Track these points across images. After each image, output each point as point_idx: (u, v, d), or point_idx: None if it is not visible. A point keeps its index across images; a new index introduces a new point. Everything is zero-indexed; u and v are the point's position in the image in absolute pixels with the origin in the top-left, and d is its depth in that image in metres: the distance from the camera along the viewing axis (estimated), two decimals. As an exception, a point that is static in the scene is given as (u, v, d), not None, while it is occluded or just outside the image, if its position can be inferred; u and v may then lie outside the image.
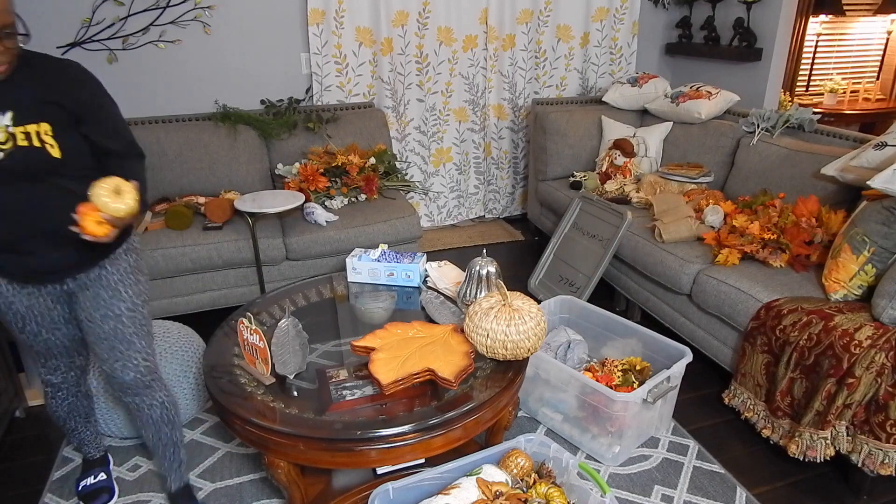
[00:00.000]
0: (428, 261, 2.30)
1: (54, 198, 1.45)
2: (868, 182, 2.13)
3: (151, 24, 3.21)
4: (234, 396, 1.62)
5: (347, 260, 2.27)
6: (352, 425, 1.51)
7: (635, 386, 2.13)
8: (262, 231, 2.84)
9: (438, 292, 2.19)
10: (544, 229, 3.72)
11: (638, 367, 2.23)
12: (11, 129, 1.37)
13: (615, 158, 3.35)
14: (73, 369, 1.80)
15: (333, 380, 1.70)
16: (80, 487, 1.95)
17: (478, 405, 1.59)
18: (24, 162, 1.39)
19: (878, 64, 4.94)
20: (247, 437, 1.59)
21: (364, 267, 2.26)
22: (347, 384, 1.68)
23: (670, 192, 3.01)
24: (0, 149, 1.36)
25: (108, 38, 3.17)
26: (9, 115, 1.37)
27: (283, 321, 1.70)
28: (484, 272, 1.98)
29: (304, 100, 3.62)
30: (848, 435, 1.89)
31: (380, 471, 1.92)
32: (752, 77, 3.70)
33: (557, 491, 1.50)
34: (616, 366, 2.24)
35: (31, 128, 1.39)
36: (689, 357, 2.13)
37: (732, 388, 2.27)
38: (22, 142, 1.38)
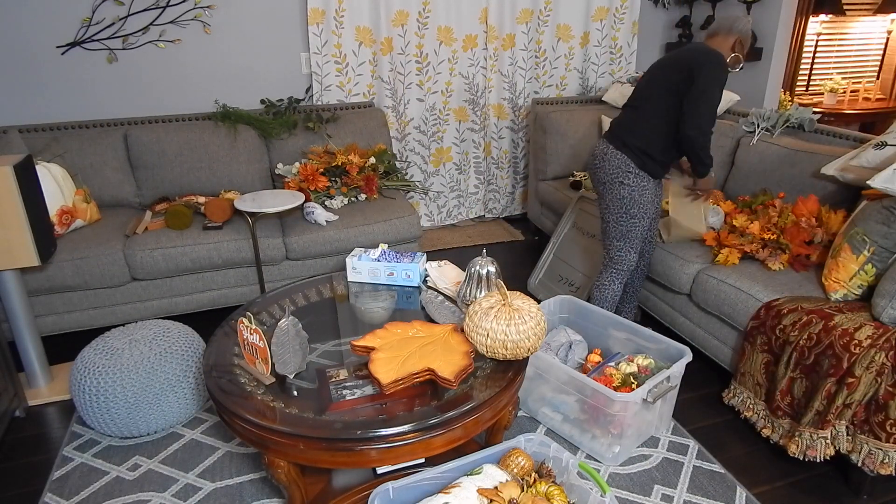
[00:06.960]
0: (428, 260, 2.30)
1: None
2: (868, 181, 2.13)
3: (151, 24, 3.21)
4: (234, 396, 1.62)
5: (347, 260, 2.27)
6: (352, 425, 1.51)
7: (634, 386, 2.13)
8: (262, 231, 2.84)
9: (438, 292, 2.19)
10: (544, 229, 3.72)
11: (643, 363, 2.20)
12: None
13: (615, 158, 3.34)
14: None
15: (333, 379, 1.70)
16: None
17: (478, 405, 1.59)
18: None
19: (878, 63, 4.94)
20: (247, 436, 1.59)
21: (364, 267, 2.26)
22: (347, 384, 1.68)
23: (674, 193, 3.01)
24: None
25: (108, 38, 3.17)
26: None
27: (283, 321, 1.70)
28: (484, 272, 1.99)
29: (304, 99, 3.62)
30: (848, 434, 1.89)
31: (380, 470, 1.92)
32: (752, 77, 3.70)
33: (557, 490, 1.50)
34: (616, 374, 2.20)
35: None
36: (688, 357, 2.13)
37: (732, 387, 2.27)
38: None
